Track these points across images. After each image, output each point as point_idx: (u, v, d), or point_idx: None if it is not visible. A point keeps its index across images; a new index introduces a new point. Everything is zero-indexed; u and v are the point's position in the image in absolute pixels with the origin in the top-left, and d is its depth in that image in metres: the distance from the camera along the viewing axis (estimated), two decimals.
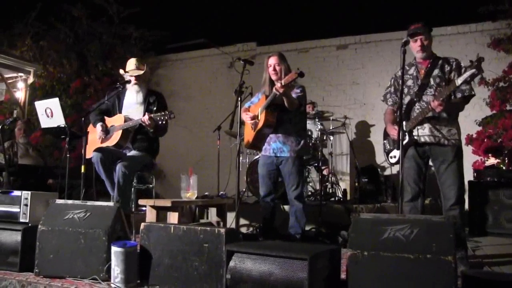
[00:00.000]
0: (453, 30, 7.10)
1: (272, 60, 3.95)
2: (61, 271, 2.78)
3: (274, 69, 3.94)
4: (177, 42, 8.88)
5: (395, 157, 3.51)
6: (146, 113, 3.96)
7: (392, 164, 3.57)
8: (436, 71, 3.29)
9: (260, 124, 3.93)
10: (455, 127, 3.29)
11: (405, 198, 3.27)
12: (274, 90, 3.70)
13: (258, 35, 8.55)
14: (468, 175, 5.98)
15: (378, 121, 6.99)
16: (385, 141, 3.66)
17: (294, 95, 3.85)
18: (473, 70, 2.96)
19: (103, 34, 8.39)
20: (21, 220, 3.16)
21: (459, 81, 3.03)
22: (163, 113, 3.84)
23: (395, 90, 3.53)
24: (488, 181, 5.45)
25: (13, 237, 3.00)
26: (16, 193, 3.24)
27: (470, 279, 2.23)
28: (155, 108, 4.11)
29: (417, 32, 3.27)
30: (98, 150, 3.97)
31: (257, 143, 4.12)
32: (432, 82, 3.28)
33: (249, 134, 4.10)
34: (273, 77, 3.95)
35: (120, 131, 4.06)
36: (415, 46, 3.33)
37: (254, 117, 4.00)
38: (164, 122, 3.88)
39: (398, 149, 2.91)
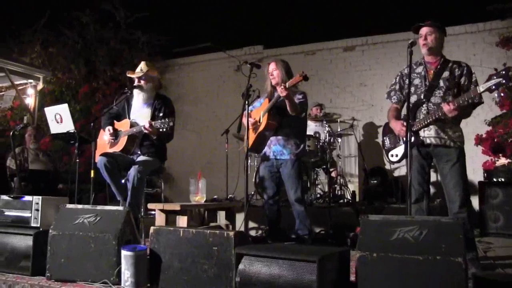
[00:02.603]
0: (461, 30, 7.03)
1: (271, 66, 4.14)
2: (72, 275, 2.81)
3: (272, 74, 4.11)
4: (184, 46, 8.92)
5: (396, 155, 3.48)
6: (147, 120, 3.94)
7: (392, 163, 3.55)
8: (445, 74, 3.24)
9: (262, 127, 4.02)
10: (459, 129, 3.27)
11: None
12: (278, 92, 3.80)
13: (265, 38, 8.55)
14: (479, 175, 5.95)
15: (385, 122, 6.95)
16: (384, 138, 3.63)
17: (296, 101, 3.95)
18: (500, 79, 2.78)
19: (110, 39, 8.44)
20: (33, 224, 3.20)
21: (481, 88, 2.90)
22: (162, 120, 3.83)
23: (400, 88, 3.50)
24: (499, 182, 5.40)
25: (25, 241, 3.05)
26: (27, 198, 3.28)
27: (482, 281, 2.20)
28: (161, 114, 4.10)
29: (420, 26, 3.25)
30: (103, 155, 3.98)
31: (258, 146, 4.17)
32: (441, 84, 3.23)
33: (250, 138, 4.14)
34: (273, 82, 4.13)
35: (126, 137, 4.08)
36: (420, 42, 3.28)
37: (255, 121, 4.10)
38: (165, 130, 3.86)
39: (406, 154, 2.88)
